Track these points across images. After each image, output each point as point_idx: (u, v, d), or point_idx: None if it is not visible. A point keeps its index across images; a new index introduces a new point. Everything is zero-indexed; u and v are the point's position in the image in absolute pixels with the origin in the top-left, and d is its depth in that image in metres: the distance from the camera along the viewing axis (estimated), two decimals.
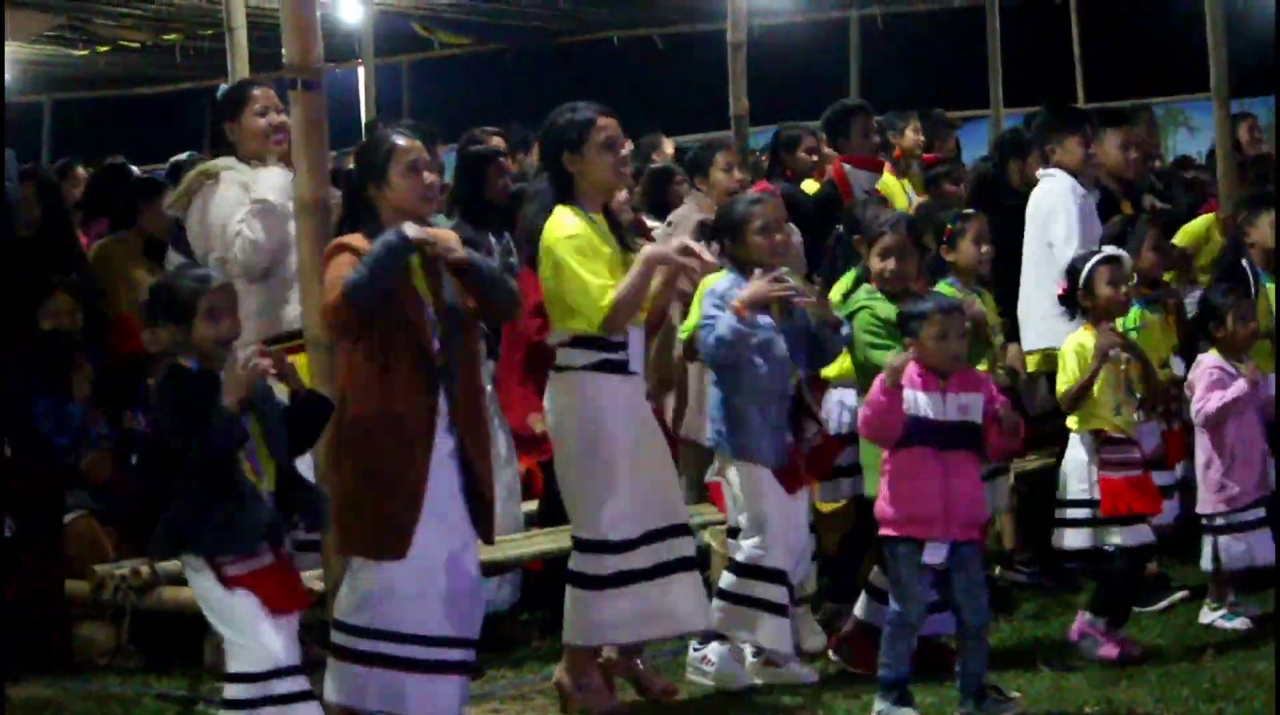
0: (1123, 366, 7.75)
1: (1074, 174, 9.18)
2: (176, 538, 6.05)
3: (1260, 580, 8.40)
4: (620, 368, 6.92)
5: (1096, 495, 7.74)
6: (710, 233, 7.65)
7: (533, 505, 8.63)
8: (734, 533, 7.42)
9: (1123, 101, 13.07)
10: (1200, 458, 8.35)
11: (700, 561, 7.32)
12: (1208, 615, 8.30)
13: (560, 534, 7.61)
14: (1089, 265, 7.86)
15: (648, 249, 6.98)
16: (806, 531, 7.53)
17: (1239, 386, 8.19)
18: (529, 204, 7.36)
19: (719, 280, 7.27)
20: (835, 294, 7.82)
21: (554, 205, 6.93)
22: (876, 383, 6.88)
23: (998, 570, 9.16)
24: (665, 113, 13.43)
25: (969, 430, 6.90)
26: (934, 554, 6.79)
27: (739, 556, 7.33)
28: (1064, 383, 7.81)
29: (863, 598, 7.67)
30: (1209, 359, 8.34)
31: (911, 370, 6.87)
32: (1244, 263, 9.14)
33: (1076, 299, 7.90)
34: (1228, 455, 8.25)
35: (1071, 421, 7.86)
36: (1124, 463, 7.75)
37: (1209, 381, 8.24)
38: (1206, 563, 8.32)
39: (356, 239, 6.27)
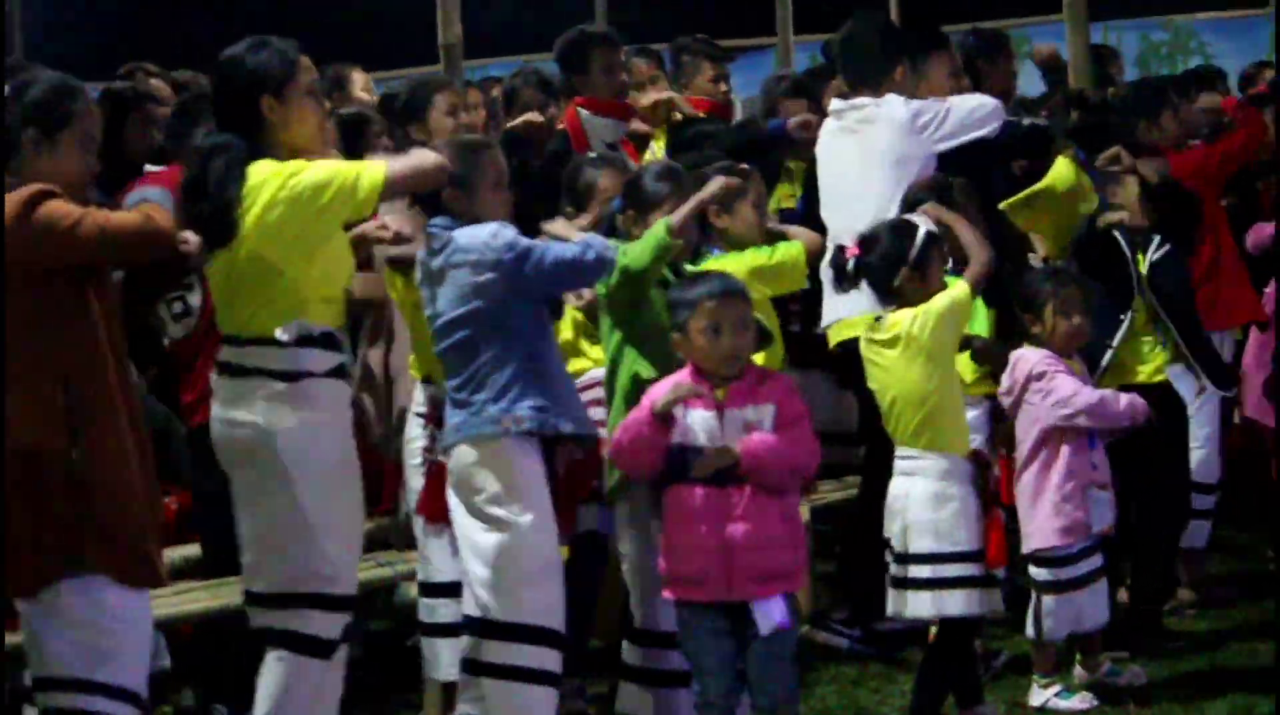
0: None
1: None
2: None
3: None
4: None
5: (965, 544, 6.68)
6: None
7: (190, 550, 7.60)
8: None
9: (951, 25, 11.39)
10: (1029, 486, 7.35)
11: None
12: (1039, 694, 7.30)
13: (223, 588, 7.01)
14: (921, 237, 6.84)
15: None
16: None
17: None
18: (213, 162, 6.27)
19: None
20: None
21: (248, 161, 6.00)
22: (645, 401, 6.15)
23: (806, 629, 8.00)
24: (351, 44, 11.74)
25: None
26: (767, 618, 5.96)
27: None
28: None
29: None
30: (1033, 354, 7.34)
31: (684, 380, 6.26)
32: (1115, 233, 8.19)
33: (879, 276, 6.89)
34: (1062, 485, 7.30)
35: (920, 439, 6.79)
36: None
37: (1059, 369, 7.29)
38: (1029, 628, 7.40)
39: None
